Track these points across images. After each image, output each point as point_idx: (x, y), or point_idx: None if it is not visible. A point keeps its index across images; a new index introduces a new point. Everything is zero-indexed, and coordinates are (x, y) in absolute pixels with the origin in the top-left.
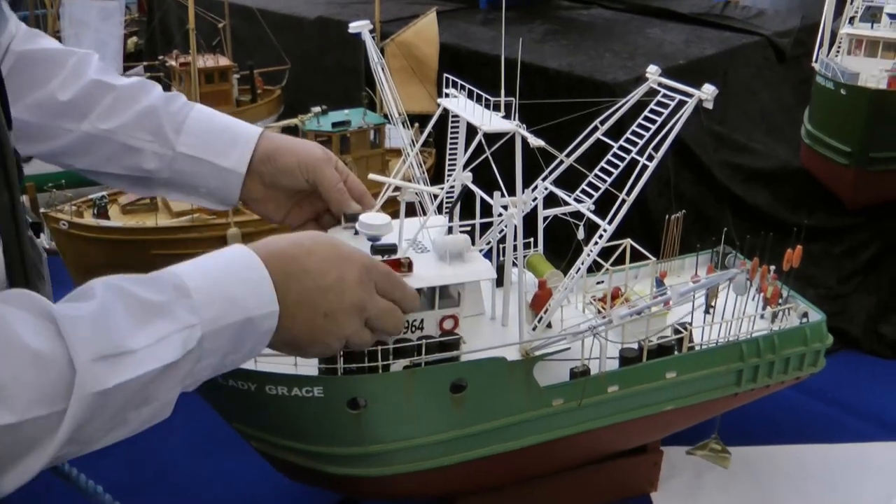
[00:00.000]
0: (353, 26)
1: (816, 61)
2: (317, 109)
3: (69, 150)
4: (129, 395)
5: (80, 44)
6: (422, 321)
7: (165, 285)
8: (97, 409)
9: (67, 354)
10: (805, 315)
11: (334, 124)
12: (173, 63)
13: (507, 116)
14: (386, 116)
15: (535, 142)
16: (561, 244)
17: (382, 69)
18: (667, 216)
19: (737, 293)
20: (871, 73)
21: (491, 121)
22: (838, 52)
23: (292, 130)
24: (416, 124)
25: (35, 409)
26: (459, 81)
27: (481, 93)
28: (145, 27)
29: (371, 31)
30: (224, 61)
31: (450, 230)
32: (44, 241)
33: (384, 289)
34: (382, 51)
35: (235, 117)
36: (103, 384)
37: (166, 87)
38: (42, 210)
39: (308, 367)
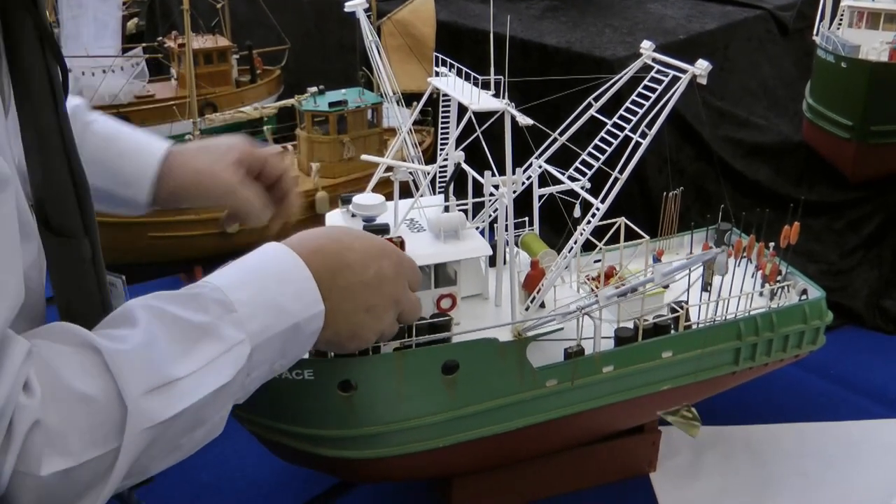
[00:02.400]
0: (349, 5)
1: (817, 34)
2: (313, 90)
3: None
4: (183, 423)
5: (79, 25)
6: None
7: (208, 302)
8: (151, 442)
9: (117, 391)
10: (804, 292)
11: (331, 104)
12: (172, 44)
13: (498, 94)
14: (383, 95)
15: (524, 120)
16: (560, 222)
17: (377, 48)
18: (664, 193)
19: (717, 273)
20: (872, 46)
21: (480, 99)
22: (840, 24)
23: (289, 111)
24: (415, 103)
25: (90, 452)
26: (449, 60)
27: (470, 71)
28: (146, 8)
29: (367, 10)
30: (223, 42)
31: (446, 209)
32: None
33: (413, 282)
34: (379, 29)
35: (231, 100)
36: (156, 418)
37: (165, 69)
38: None
39: None
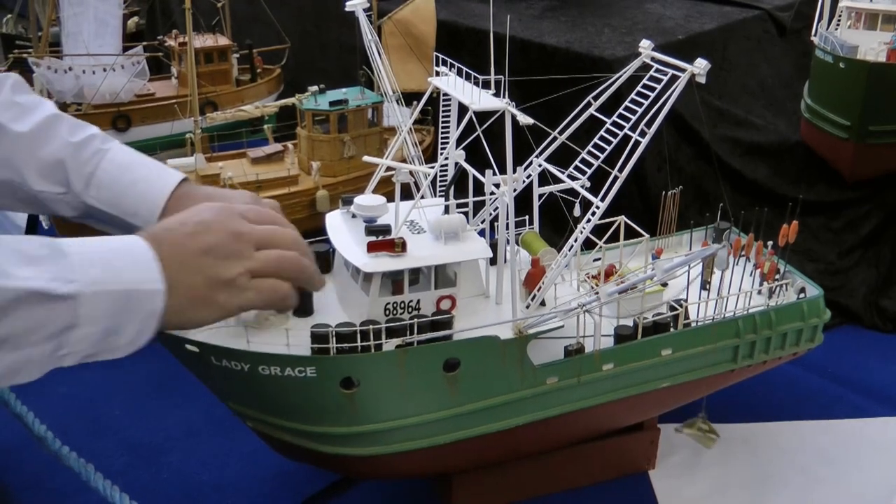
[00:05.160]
0: (349, 4)
1: (815, 34)
2: (314, 88)
3: None
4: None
5: (79, 24)
6: (418, 301)
7: (41, 242)
8: None
9: None
10: (802, 290)
11: (332, 103)
12: (172, 43)
13: (498, 94)
14: (383, 95)
15: (525, 119)
16: (561, 221)
17: (376, 47)
18: (664, 192)
19: (718, 268)
20: (871, 46)
21: (480, 99)
22: (838, 25)
23: (290, 110)
24: (415, 102)
25: None
26: (449, 60)
27: (470, 71)
28: (147, 7)
29: (367, 10)
30: (223, 41)
31: (446, 209)
32: (42, 221)
33: (258, 219)
34: (380, 29)
35: (231, 99)
36: None
37: (166, 68)
38: None
39: (301, 347)
